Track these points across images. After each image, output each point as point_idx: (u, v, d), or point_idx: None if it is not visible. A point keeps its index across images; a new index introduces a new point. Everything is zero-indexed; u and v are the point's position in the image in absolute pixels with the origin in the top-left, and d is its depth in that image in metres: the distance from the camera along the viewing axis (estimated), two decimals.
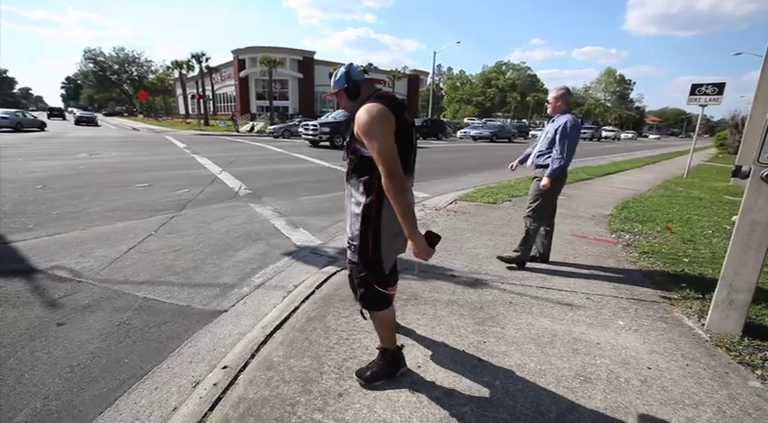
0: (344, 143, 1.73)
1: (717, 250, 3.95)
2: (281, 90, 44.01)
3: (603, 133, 46.52)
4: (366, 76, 1.70)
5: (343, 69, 1.69)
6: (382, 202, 1.61)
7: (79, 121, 32.79)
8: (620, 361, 2.13)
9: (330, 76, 1.82)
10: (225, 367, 1.97)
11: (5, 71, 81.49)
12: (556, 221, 3.59)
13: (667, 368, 2.08)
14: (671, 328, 2.50)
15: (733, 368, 2.10)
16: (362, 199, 1.63)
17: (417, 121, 25.14)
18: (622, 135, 52.01)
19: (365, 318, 2.37)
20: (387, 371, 1.91)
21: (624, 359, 2.15)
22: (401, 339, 2.27)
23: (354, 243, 1.68)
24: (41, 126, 23.92)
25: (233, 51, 44.80)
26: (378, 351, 1.96)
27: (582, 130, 28.52)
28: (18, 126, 21.71)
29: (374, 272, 1.71)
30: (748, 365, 2.12)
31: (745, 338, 2.32)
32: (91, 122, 32.87)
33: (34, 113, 32.93)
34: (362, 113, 1.51)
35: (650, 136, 71.01)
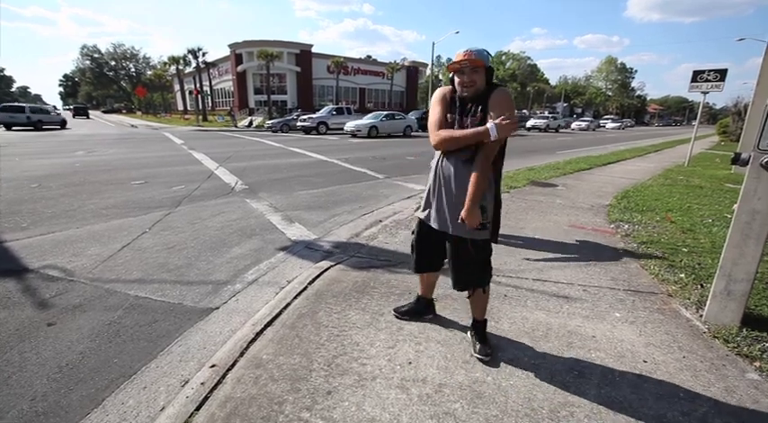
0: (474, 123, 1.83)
1: (716, 240, 3.89)
2: (279, 84, 43.67)
3: (530, 122, 32.19)
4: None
5: (484, 50, 1.85)
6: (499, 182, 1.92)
7: (77, 112, 45.21)
8: (615, 354, 2.10)
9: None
10: (213, 366, 1.94)
11: (2, 70, 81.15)
12: (555, 212, 3.54)
13: (663, 361, 2.05)
14: (668, 320, 2.46)
15: (731, 360, 2.06)
16: (491, 178, 1.83)
17: (416, 114, 24.87)
18: (574, 125, 37.99)
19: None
20: (487, 336, 2.15)
21: (620, 352, 2.12)
22: (393, 335, 2.24)
23: (486, 221, 1.84)
24: (62, 124, 24.03)
25: (230, 45, 44.38)
26: (477, 324, 2.13)
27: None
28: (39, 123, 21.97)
29: (490, 245, 1.97)
30: (746, 357, 2.08)
31: (744, 329, 2.27)
32: (85, 113, 45.57)
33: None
34: (508, 97, 1.77)
35: (608, 125, 45.63)
